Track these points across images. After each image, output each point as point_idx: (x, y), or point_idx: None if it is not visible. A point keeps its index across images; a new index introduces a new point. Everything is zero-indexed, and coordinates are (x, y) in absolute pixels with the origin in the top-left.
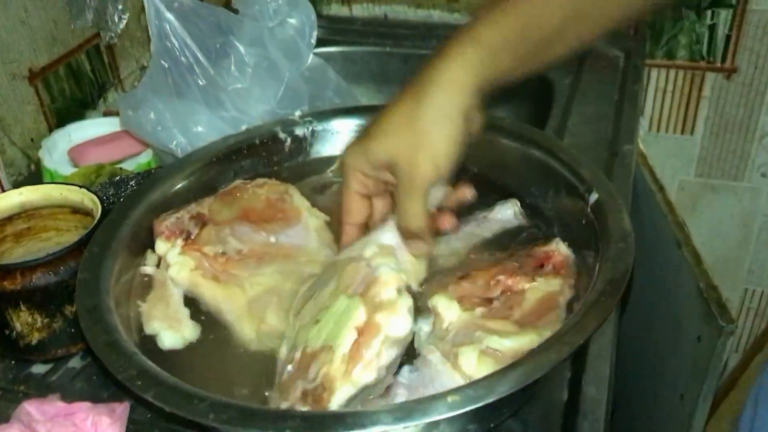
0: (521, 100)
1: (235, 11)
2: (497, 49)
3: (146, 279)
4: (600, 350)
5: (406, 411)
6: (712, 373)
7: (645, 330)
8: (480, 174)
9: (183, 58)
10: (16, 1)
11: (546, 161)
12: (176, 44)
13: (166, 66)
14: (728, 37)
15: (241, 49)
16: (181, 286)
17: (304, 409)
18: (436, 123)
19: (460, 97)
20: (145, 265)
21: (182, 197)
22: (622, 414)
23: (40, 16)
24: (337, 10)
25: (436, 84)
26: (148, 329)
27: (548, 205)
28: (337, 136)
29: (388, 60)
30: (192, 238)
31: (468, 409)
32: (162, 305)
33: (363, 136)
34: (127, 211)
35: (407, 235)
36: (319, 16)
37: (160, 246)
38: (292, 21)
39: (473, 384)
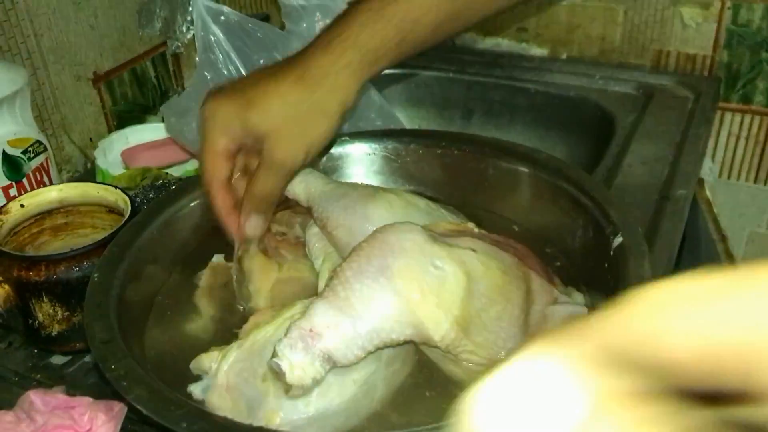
0: (581, 136)
1: (283, 26)
2: (378, 54)
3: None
4: None
5: None
6: None
7: None
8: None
9: (225, 71)
10: (87, 6)
11: (577, 198)
12: (220, 57)
13: (209, 77)
14: None
15: None
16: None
17: None
18: (317, 118)
19: (343, 97)
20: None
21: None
22: None
23: (109, 22)
24: None
25: (321, 86)
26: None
27: (576, 244)
28: (371, 158)
29: (450, 85)
30: None
31: None
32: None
33: (237, 96)
34: (153, 215)
35: (253, 205)
36: None
37: None
38: None
39: None
